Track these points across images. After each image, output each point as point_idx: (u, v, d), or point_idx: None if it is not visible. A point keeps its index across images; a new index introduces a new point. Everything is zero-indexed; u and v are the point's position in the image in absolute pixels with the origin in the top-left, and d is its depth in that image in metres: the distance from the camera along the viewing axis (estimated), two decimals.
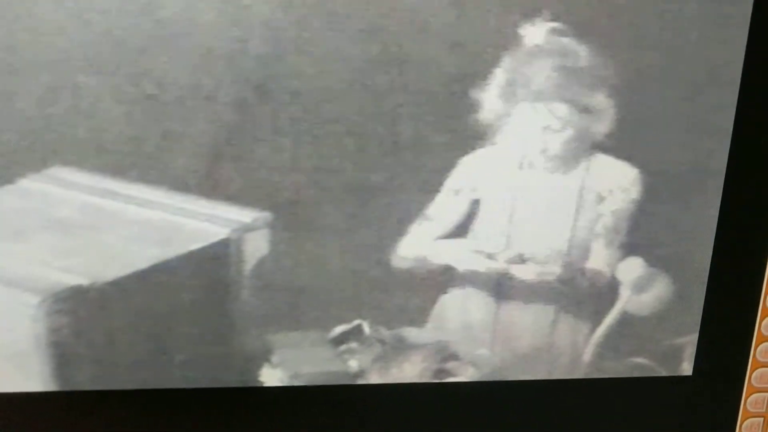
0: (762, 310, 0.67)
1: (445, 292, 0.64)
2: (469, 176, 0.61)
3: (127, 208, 0.60)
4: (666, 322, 0.67)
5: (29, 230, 0.60)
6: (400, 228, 0.62)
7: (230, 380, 0.65)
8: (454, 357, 0.67)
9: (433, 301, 0.65)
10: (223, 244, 0.61)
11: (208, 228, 0.61)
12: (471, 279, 0.64)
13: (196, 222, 0.60)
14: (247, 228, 0.61)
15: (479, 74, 0.58)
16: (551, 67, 0.59)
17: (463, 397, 0.68)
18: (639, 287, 0.66)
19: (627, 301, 0.66)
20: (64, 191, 0.59)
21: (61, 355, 0.62)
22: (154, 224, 0.60)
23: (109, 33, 0.55)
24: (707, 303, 0.67)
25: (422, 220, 0.62)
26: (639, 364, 0.68)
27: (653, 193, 0.63)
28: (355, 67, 0.57)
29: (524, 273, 0.64)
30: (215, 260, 0.62)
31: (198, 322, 0.63)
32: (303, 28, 0.56)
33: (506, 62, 0.58)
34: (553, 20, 0.57)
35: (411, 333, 0.66)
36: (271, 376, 0.66)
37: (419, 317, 0.65)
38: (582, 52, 0.58)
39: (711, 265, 0.66)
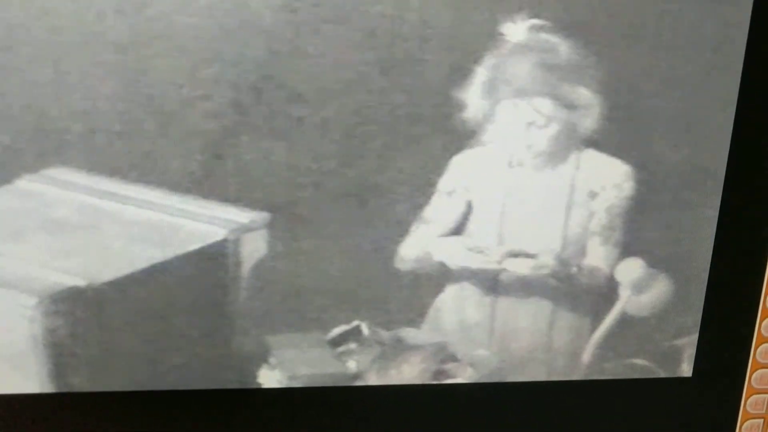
0: (762, 310, 0.67)
1: (443, 292, 0.64)
2: (461, 176, 0.61)
3: (125, 208, 0.60)
4: (665, 323, 0.67)
5: (27, 231, 0.60)
6: (398, 229, 0.62)
7: (228, 381, 0.65)
8: (452, 358, 0.67)
9: (432, 302, 0.65)
10: (221, 245, 0.61)
11: (206, 228, 0.61)
12: (467, 277, 0.64)
13: (194, 222, 0.60)
14: (245, 228, 0.61)
15: (462, 73, 0.58)
16: (533, 64, 0.59)
17: (462, 398, 0.68)
18: (638, 288, 0.66)
19: (626, 301, 0.66)
20: (61, 192, 0.59)
21: (59, 356, 0.62)
22: (152, 225, 0.60)
23: (106, 33, 0.55)
24: (707, 304, 0.67)
25: (419, 223, 0.62)
26: (638, 365, 0.68)
27: (653, 193, 0.63)
28: (352, 68, 0.57)
29: (519, 266, 0.64)
30: (213, 261, 0.62)
31: (196, 323, 0.63)
32: (300, 29, 0.56)
33: (488, 60, 0.58)
34: (535, 17, 0.57)
35: (409, 334, 0.65)
36: (269, 378, 0.65)
37: (418, 318, 0.65)
38: (563, 48, 0.58)
39: (711, 265, 0.66)
